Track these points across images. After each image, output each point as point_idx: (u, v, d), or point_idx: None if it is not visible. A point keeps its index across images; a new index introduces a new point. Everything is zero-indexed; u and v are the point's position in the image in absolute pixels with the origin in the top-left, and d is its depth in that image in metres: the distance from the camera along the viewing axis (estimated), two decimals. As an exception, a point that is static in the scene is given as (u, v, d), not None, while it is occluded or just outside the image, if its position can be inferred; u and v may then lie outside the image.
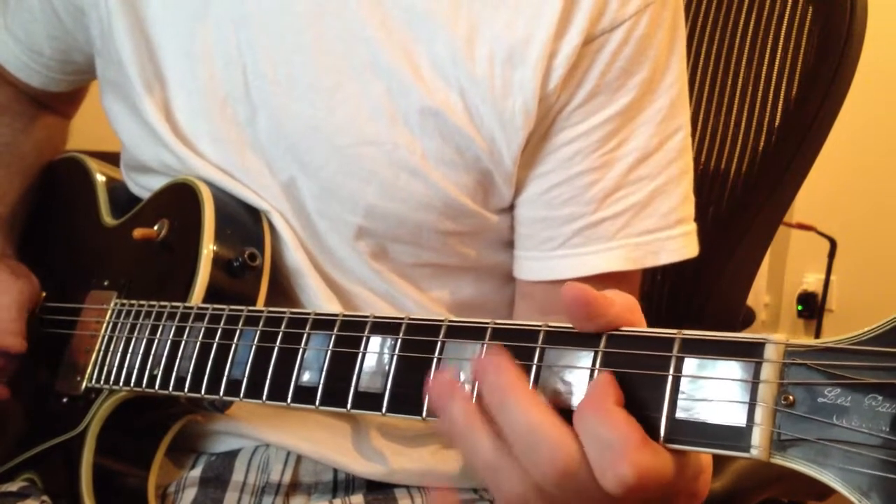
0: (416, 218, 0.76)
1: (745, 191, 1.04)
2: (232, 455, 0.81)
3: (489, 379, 0.47)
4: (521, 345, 0.51)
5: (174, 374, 0.68)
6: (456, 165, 0.74)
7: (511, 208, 0.80)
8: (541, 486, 0.45)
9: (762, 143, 1.03)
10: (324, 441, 0.79)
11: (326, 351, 0.59)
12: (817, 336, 2.91)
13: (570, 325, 0.49)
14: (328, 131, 0.75)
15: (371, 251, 0.78)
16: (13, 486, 0.78)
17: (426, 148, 0.74)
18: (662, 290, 1.10)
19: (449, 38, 0.72)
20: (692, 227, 0.79)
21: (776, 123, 1.02)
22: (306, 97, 0.75)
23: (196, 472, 0.80)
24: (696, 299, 1.08)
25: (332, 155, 0.75)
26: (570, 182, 0.76)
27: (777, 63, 1.02)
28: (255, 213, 0.78)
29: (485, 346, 0.52)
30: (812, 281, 3.07)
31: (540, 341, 0.50)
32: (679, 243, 0.78)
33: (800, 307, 3.11)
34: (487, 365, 0.48)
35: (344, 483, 0.80)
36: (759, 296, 3.05)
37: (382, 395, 0.55)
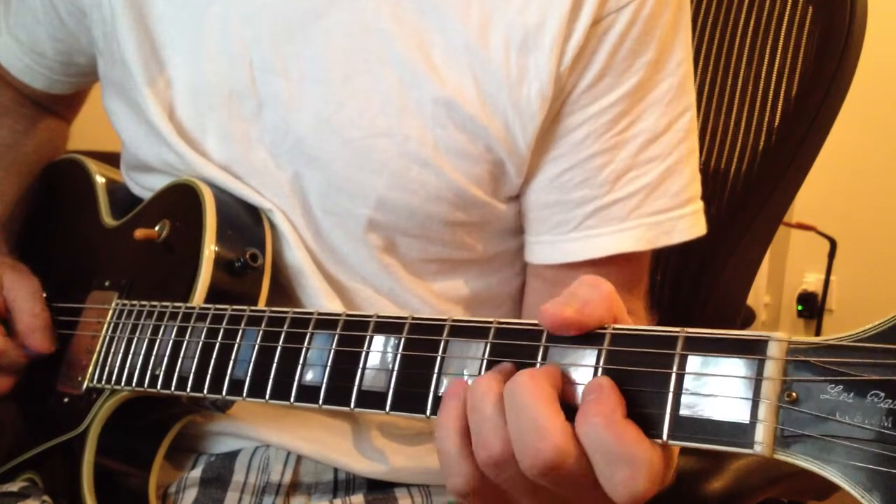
0: (427, 209, 0.76)
1: (745, 191, 1.04)
2: (232, 455, 0.81)
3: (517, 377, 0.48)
4: (525, 343, 0.51)
5: (176, 373, 0.68)
6: (468, 155, 0.75)
7: (517, 196, 0.80)
8: (526, 474, 0.47)
9: (762, 143, 1.03)
10: (324, 441, 0.79)
11: (330, 350, 0.59)
12: (817, 336, 2.91)
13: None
14: (339, 124, 0.75)
15: (381, 245, 0.78)
16: (14, 486, 0.77)
17: (438, 138, 0.74)
18: (663, 290, 1.10)
19: (462, 27, 0.73)
20: (700, 205, 0.79)
21: (776, 123, 1.02)
22: (316, 91, 0.75)
23: (196, 473, 0.80)
24: (697, 299, 1.08)
25: (342, 148, 0.75)
26: (582, 165, 0.76)
27: (777, 63, 1.02)
28: (256, 214, 0.78)
29: (488, 345, 0.52)
30: (812, 281, 3.07)
31: (543, 340, 0.50)
32: (690, 222, 0.78)
33: (800, 307, 3.11)
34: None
35: (344, 483, 0.80)
36: (759, 296, 3.05)
37: (386, 393, 0.55)
